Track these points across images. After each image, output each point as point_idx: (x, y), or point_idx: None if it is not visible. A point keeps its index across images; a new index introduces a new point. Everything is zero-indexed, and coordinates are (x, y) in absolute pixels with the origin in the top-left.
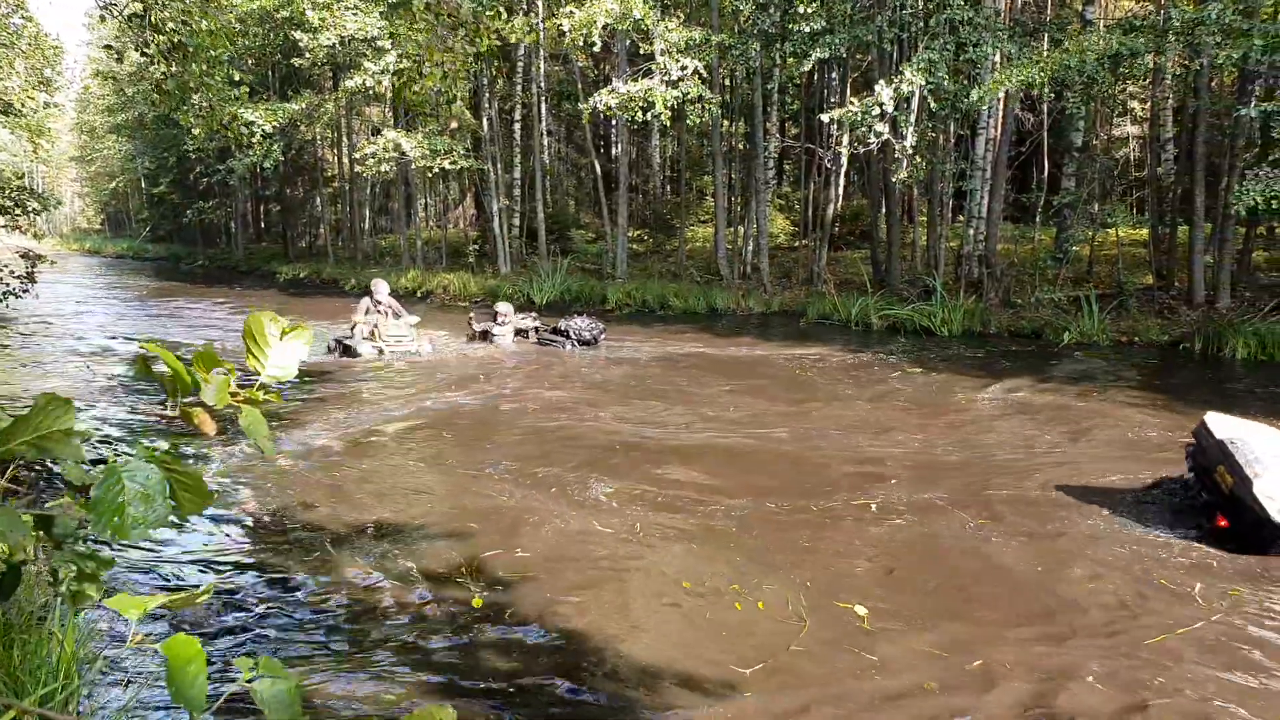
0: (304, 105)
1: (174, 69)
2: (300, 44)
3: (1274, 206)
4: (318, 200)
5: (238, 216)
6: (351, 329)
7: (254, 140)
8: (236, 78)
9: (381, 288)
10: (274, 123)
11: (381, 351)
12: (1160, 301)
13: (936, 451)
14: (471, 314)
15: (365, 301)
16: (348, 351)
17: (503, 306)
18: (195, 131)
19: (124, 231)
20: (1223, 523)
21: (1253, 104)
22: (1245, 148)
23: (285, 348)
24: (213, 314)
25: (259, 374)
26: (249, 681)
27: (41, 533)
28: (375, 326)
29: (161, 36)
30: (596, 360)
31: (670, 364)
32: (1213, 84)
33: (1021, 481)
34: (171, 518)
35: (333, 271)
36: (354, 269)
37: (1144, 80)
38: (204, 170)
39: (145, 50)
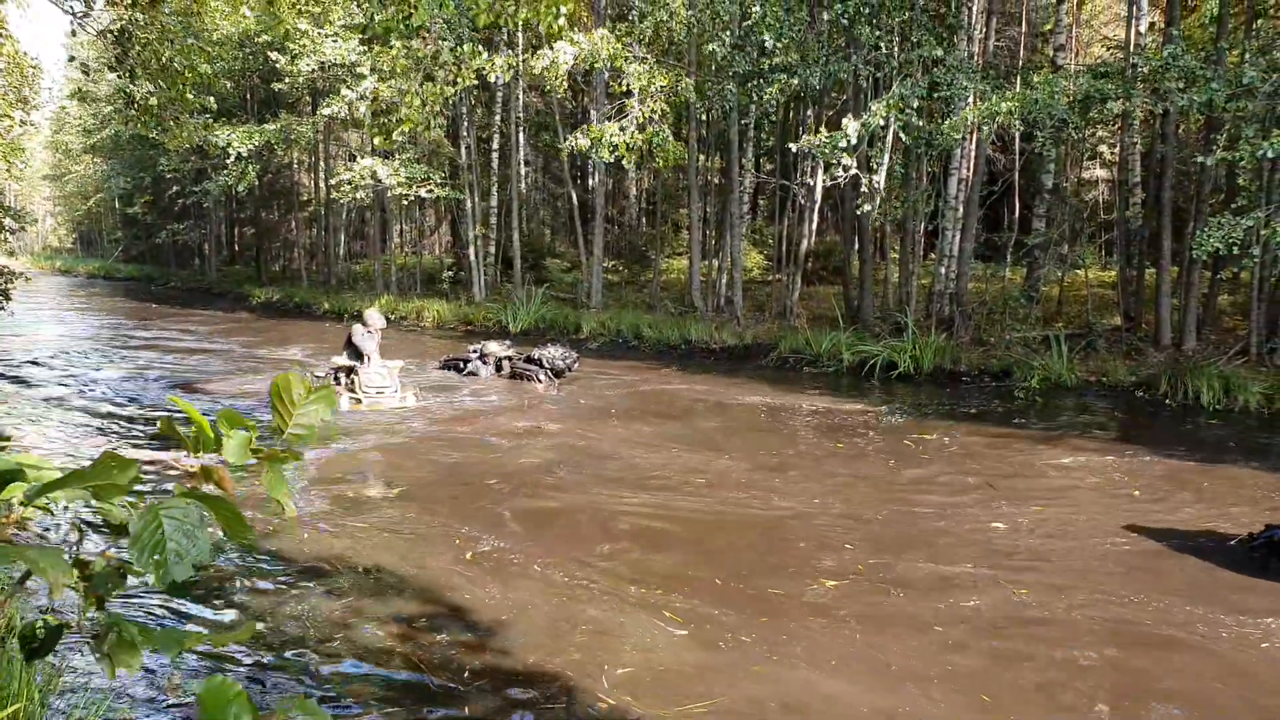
0: (280, 128)
1: (150, 86)
2: (279, 67)
3: (1234, 251)
4: (293, 224)
5: (212, 238)
6: (335, 375)
7: (229, 160)
8: (211, 101)
9: (375, 318)
10: (249, 145)
11: (360, 402)
12: (1128, 342)
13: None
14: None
15: (358, 330)
16: None
17: (491, 345)
18: (169, 145)
19: (95, 251)
20: None
21: (1215, 153)
22: (1211, 194)
23: (310, 409)
24: (188, 342)
25: (282, 432)
26: None
27: (78, 575)
28: (354, 375)
29: (141, 50)
30: (568, 404)
31: (641, 408)
32: (1179, 130)
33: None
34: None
35: (306, 296)
36: (327, 294)
37: (1113, 125)
38: (179, 191)
39: (115, 66)
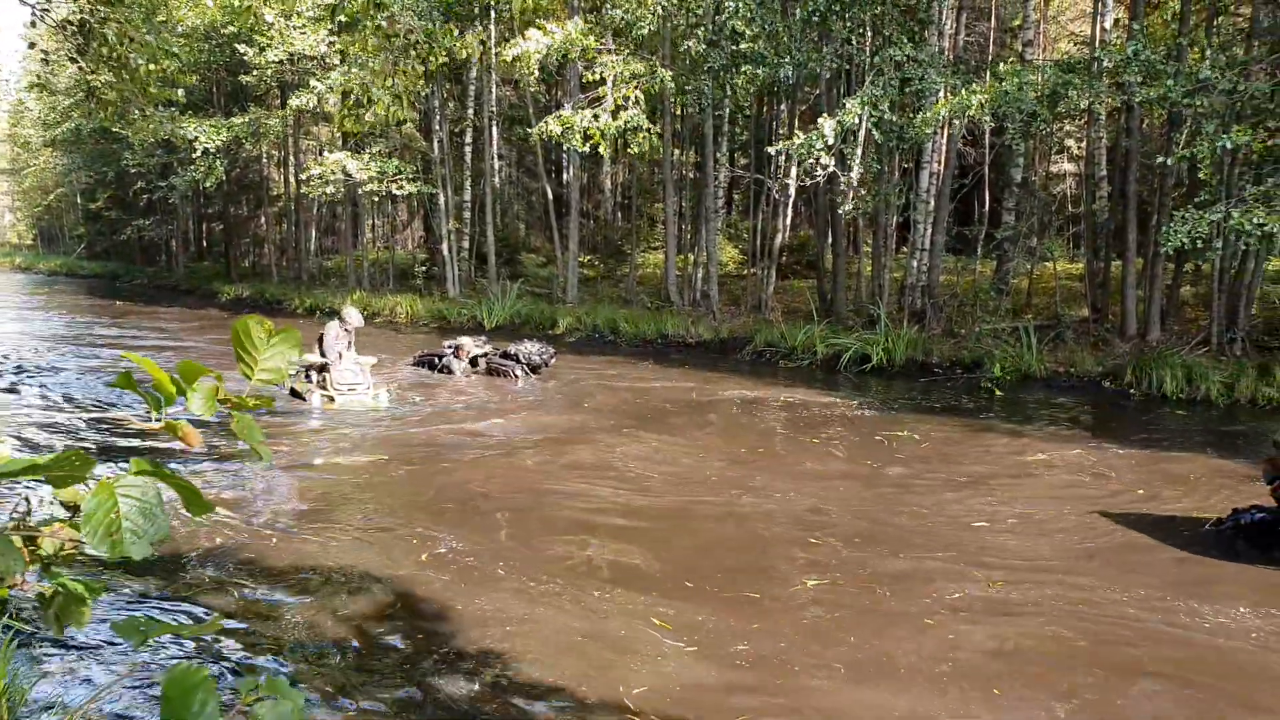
0: (248, 121)
1: (110, 79)
2: (247, 59)
3: (1199, 246)
4: (263, 219)
5: (179, 234)
6: (306, 371)
7: (195, 155)
8: (179, 94)
9: (354, 316)
10: (217, 140)
11: (332, 400)
12: (1095, 333)
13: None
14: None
15: (334, 327)
16: (295, 394)
17: (466, 341)
18: (132, 138)
19: (57, 247)
20: None
21: (1176, 152)
22: (1174, 188)
23: (274, 352)
24: (155, 339)
25: (248, 380)
26: (250, 704)
27: (27, 551)
28: (326, 373)
29: (100, 46)
30: (544, 401)
31: (617, 403)
32: (1143, 125)
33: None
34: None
35: (277, 292)
36: (298, 290)
37: (1080, 120)
38: (144, 186)
39: (76, 58)
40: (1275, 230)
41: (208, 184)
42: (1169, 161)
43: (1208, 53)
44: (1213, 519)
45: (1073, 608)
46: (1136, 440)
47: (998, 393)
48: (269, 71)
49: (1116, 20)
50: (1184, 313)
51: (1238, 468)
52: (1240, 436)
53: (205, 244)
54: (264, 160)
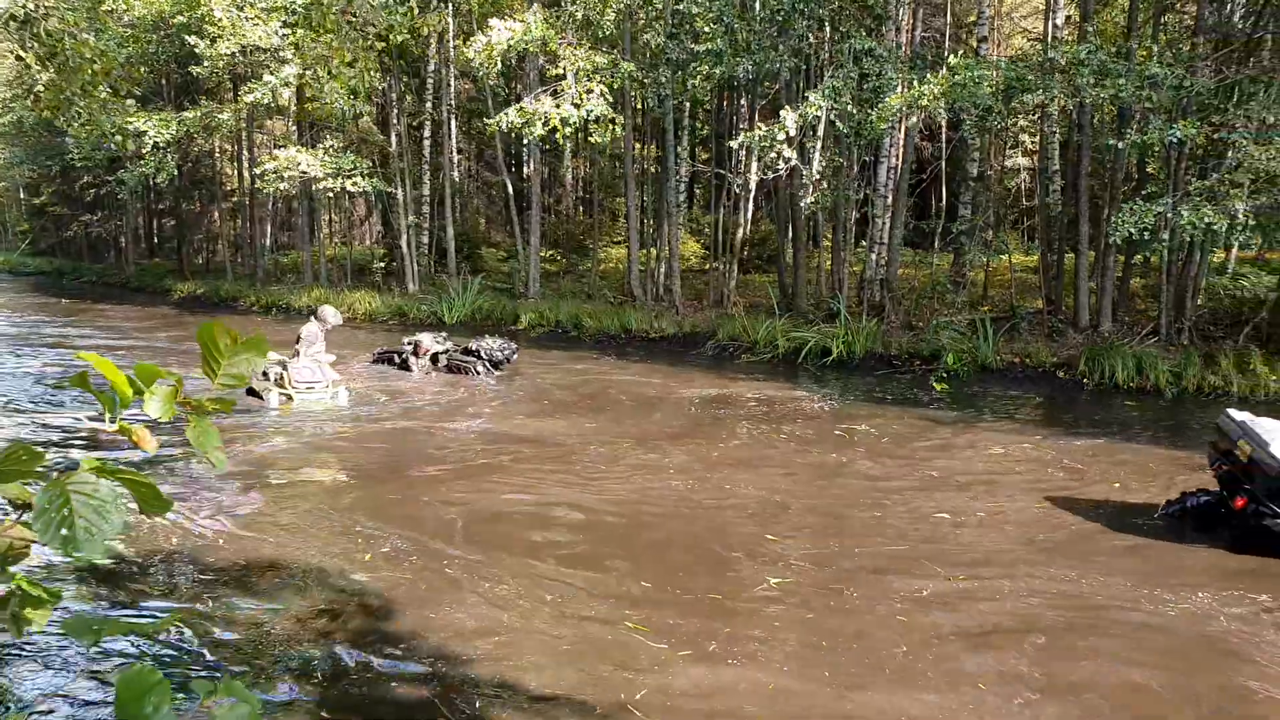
0: (199, 114)
1: (52, 77)
2: (198, 51)
3: (1145, 237)
4: (215, 215)
5: (128, 230)
6: (264, 370)
7: (144, 151)
8: (125, 91)
9: (332, 315)
10: (167, 134)
11: (290, 399)
12: (1049, 325)
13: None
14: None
15: (312, 328)
16: (252, 393)
17: (426, 338)
18: (76, 134)
19: (0, 244)
20: (1240, 503)
21: (1128, 137)
22: (1124, 181)
23: (240, 358)
24: (105, 338)
25: (211, 384)
26: (206, 706)
27: None
28: (284, 371)
29: (40, 46)
30: (505, 398)
31: (581, 399)
32: (1094, 120)
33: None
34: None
35: (231, 289)
36: (254, 287)
37: (1033, 115)
38: (91, 181)
39: (21, 56)
40: (1219, 226)
41: (159, 179)
42: (1121, 145)
43: (1155, 49)
44: (1160, 504)
45: (1038, 598)
46: (1090, 430)
47: (938, 387)
48: (220, 64)
49: (1068, 17)
50: (1134, 304)
51: (1187, 455)
52: (1189, 423)
53: (156, 240)
54: (217, 155)
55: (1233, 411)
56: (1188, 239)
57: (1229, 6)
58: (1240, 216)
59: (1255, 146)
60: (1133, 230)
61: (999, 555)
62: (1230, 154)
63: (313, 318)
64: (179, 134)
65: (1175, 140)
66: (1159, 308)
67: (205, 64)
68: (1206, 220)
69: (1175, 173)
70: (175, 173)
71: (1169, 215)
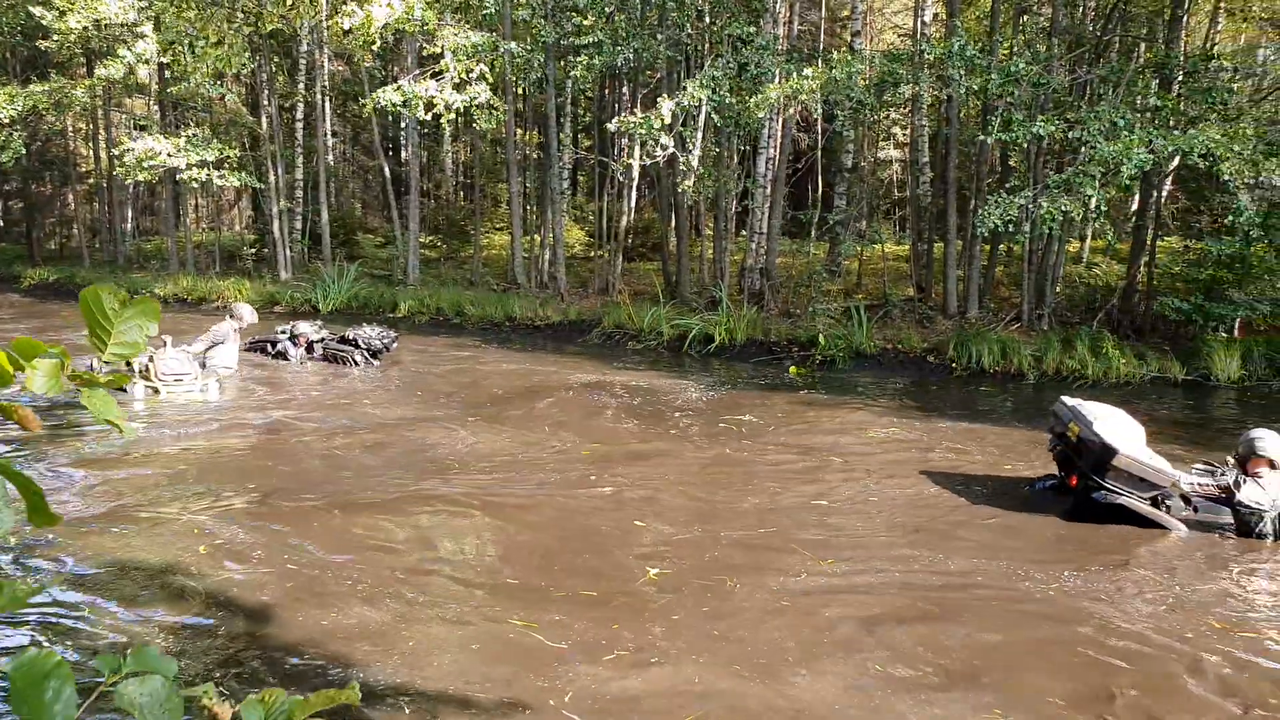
0: (48, 89)
1: None
2: (45, 23)
3: (1010, 228)
4: (70, 198)
5: None
6: (127, 361)
7: None
8: None
9: (247, 312)
10: (11, 110)
11: (157, 391)
12: (920, 312)
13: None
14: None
15: (224, 327)
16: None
17: (303, 326)
18: None
19: None
20: (1074, 481)
21: (993, 132)
22: (989, 174)
23: (131, 324)
24: None
25: (99, 354)
26: (113, 684)
27: None
28: (150, 362)
29: None
30: (383, 388)
31: (462, 389)
32: (961, 114)
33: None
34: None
35: (89, 276)
36: (114, 274)
37: (904, 108)
38: None
39: None
40: (1075, 214)
41: (3, 158)
42: (988, 140)
43: (1015, 48)
44: (1027, 481)
45: (922, 580)
46: (958, 413)
47: (793, 371)
48: (71, 38)
49: (935, 15)
50: (999, 291)
51: (1045, 435)
52: (1049, 406)
53: (2, 224)
54: (70, 134)
55: (1066, 398)
56: (1047, 230)
57: (1081, 9)
58: (1093, 205)
59: (1105, 143)
60: (998, 222)
61: (876, 539)
62: (1083, 150)
63: (227, 316)
64: (25, 110)
65: (1036, 135)
66: (1021, 295)
67: (54, 38)
68: (1064, 210)
69: (1035, 167)
70: (23, 151)
71: (1030, 207)
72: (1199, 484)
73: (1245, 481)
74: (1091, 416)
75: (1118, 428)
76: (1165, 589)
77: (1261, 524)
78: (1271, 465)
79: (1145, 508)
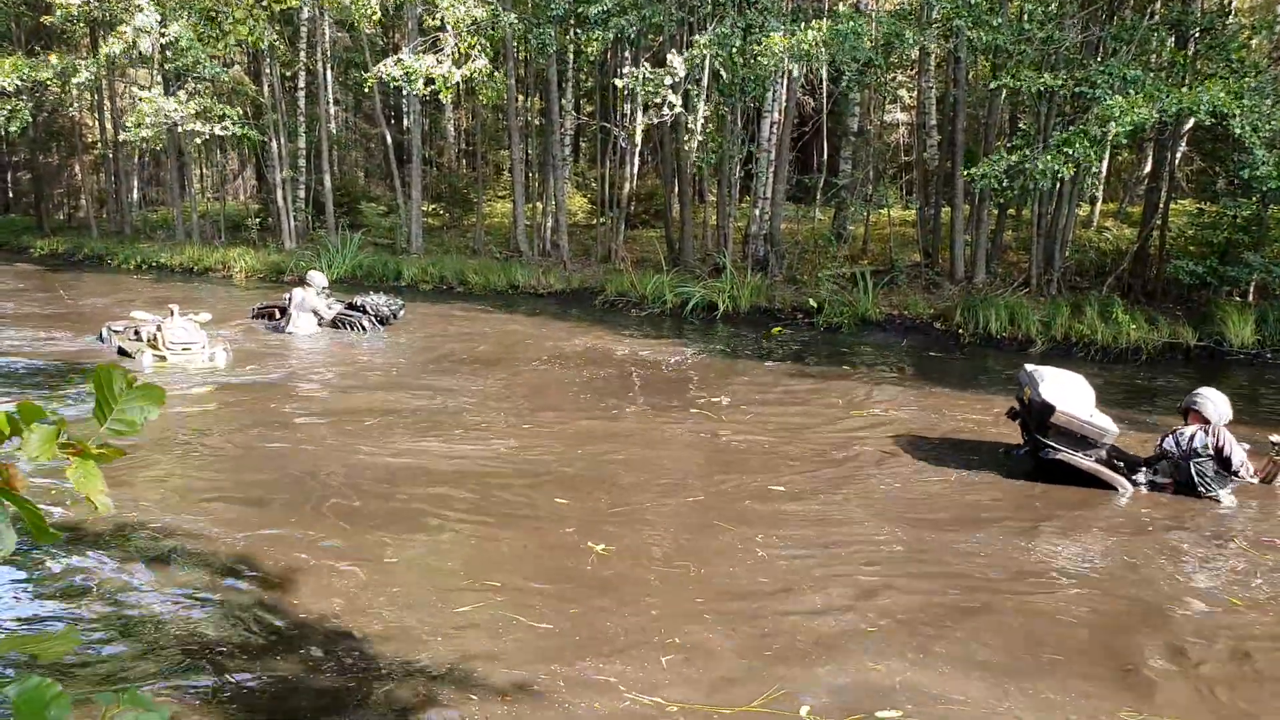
0: (55, 62)
1: None
2: None
3: (1003, 185)
4: (77, 168)
5: None
6: (135, 330)
7: None
8: None
9: (319, 279)
10: (16, 79)
11: (164, 359)
12: (926, 278)
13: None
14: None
15: (300, 294)
16: (123, 353)
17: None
18: None
19: None
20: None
21: (1003, 79)
22: (998, 136)
23: (134, 403)
24: None
25: (100, 427)
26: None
27: None
28: (158, 330)
29: None
30: (393, 355)
31: (467, 356)
32: (970, 76)
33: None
34: None
35: (98, 246)
36: (121, 243)
37: (911, 69)
38: None
39: None
40: (1065, 173)
41: (11, 129)
42: (992, 86)
43: (1027, 6)
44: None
45: (915, 558)
46: (962, 381)
47: (775, 331)
48: (74, 11)
49: None
50: (1007, 256)
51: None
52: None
53: (11, 195)
54: (76, 105)
55: (1028, 365)
56: (1035, 187)
57: None
58: (1081, 165)
59: (1111, 98)
60: (985, 175)
61: (882, 512)
62: (1094, 109)
63: (302, 283)
64: (30, 80)
65: (1045, 87)
66: (1030, 260)
67: (58, 12)
68: (1054, 169)
69: (1046, 129)
70: (29, 120)
71: (1025, 165)
72: (1196, 447)
73: (1226, 444)
74: (1041, 379)
75: (1063, 388)
76: (1100, 545)
77: (1214, 482)
78: (1205, 423)
79: (1087, 463)
